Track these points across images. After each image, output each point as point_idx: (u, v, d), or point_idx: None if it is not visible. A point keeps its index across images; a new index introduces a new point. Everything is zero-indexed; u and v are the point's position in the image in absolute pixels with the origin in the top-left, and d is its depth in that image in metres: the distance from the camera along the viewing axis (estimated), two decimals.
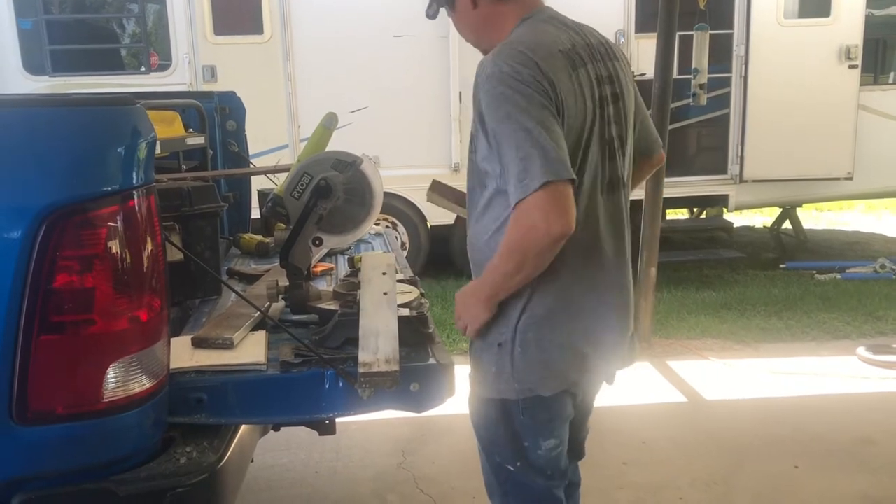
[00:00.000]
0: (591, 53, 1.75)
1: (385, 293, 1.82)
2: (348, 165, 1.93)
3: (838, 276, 6.59)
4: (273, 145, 6.02)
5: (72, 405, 1.37)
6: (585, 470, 2.11)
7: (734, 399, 4.14)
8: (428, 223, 6.58)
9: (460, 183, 1.92)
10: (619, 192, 1.81)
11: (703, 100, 6.21)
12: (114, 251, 1.36)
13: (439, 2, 1.88)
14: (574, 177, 1.57)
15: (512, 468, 1.81)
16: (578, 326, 1.74)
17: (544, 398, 1.74)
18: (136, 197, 1.39)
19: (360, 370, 1.54)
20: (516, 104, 1.57)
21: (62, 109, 1.40)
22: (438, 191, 2.19)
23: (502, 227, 1.68)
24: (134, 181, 1.39)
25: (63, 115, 1.37)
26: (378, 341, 1.62)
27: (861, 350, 4.69)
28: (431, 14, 1.93)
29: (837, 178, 6.76)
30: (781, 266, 7.03)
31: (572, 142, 1.63)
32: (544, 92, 1.59)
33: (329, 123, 2.20)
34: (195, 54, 6.19)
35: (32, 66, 6.15)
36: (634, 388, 4.19)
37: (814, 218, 9.86)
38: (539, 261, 1.61)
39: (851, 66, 6.57)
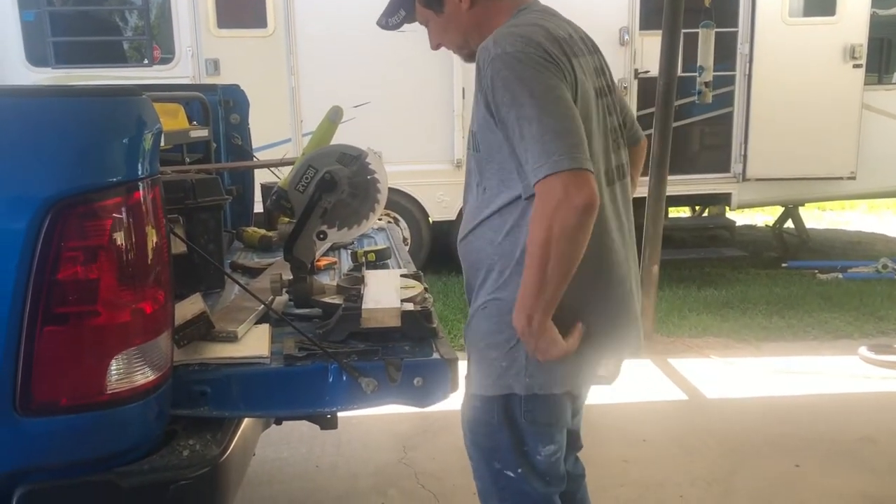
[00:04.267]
0: (585, 45, 1.76)
1: None
2: (353, 159, 1.92)
3: (840, 275, 6.59)
4: (276, 139, 6.01)
5: (75, 397, 1.37)
6: (587, 468, 2.11)
7: (735, 398, 4.14)
8: (430, 218, 6.58)
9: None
10: (625, 181, 1.82)
11: (709, 97, 6.20)
12: (118, 242, 1.36)
13: (410, 9, 1.82)
14: (591, 167, 1.52)
15: (512, 474, 1.78)
16: (592, 329, 1.71)
17: (548, 397, 1.72)
18: (141, 188, 1.38)
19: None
20: (526, 85, 1.53)
21: (68, 100, 1.38)
22: None
23: (516, 228, 1.66)
24: (139, 172, 1.39)
25: (69, 106, 1.36)
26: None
27: (863, 350, 4.69)
28: (394, 24, 1.86)
29: (840, 178, 6.75)
30: (783, 265, 7.02)
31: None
32: (557, 68, 1.56)
33: (334, 117, 2.19)
34: (198, 47, 6.17)
35: (35, 57, 6.13)
36: (636, 386, 4.18)
37: (816, 217, 9.85)
38: (571, 243, 1.52)
39: (856, 66, 6.55)
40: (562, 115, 1.53)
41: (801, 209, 7.75)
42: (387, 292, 1.88)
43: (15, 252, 1.28)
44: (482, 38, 1.71)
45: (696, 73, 6.13)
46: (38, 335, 1.31)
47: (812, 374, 4.43)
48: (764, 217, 9.56)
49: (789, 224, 7.78)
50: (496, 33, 1.63)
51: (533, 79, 1.53)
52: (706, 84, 6.10)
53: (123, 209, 1.35)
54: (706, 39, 6.01)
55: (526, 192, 1.62)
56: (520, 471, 1.78)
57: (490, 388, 1.75)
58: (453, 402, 1.77)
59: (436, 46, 1.88)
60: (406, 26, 1.89)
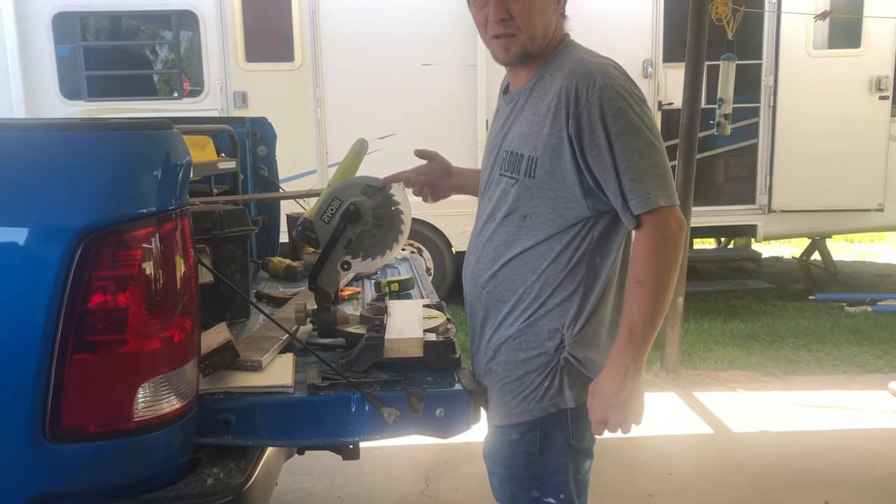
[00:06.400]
0: None
1: None
2: (377, 191, 1.95)
3: (869, 308, 6.49)
4: (302, 170, 6.09)
5: (103, 424, 1.39)
6: (611, 501, 2.09)
7: (762, 431, 4.08)
8: (453, 249, 6.60)
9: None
10: None
11: (728, 130, 6.19)
12: (148, 272, 1.38)
13: None
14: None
15: (554, 501, 1.74)
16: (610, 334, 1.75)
17: None
18: (171, 219, 1.42)
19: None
20: (640, 119, 1.60)
21: (101, 133, 1.42)
22: None
23: (563, 254, 1.69)
24: (169, 204, 1.42)
25: (102, 139, 1.40)
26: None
27: (893, 384, 4.60)
28: None
29: (868, 210, 6.68)
30: (811, 297, 6.93)
31: None
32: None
33: (360, 149, 2.22)
34: (227, 80, 6.29)
35: (69, 90, 6.28)
36: (661, 418, 4.14)
37: (844, 249, 9.73)
38: (677, 271, 1.68)
39: (882, 98, 6.51)
40: (665, 153, 1.64)
41: (828, 241, 7.66)
42: (410, 322, 1.89)
43: (48, 281, 1.31)
44: (542, 42, 1.69)
45: (716, 106, 6.13)
46: (69, 363, 1.33)
47: (841, 409, 4.35)
48: (790, 249, 9.46)
49: (816, 256, 7.70)
50: (592, 64, 1.64)
51: (645, 114, 1.62)
52: (725, 116, 6.10)
53: (153, 240, 1.38)
54: (726, 72, 6.02)
55: (630, 223, 1.64)
56: (562, 496, 1.75)
57: (533, 411, 1.71)
58: (476, 432, 1.76)
59: (505, 13, 1.65)
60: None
